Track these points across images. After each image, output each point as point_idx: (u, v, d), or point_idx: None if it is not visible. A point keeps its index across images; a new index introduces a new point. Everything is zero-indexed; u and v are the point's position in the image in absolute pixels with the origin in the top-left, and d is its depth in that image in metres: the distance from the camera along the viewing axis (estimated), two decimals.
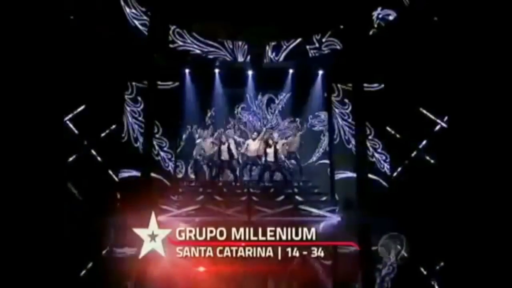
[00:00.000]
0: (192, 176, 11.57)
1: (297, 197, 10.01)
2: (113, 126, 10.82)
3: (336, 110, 11.82)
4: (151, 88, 10.65)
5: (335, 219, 9.07)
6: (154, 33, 10.49)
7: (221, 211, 9.21)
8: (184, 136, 11.90)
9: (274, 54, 11.28)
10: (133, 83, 11.63)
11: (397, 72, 10.29)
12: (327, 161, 11.84)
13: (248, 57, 11.19)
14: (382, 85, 11.43)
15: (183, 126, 11.89)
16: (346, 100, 11.81)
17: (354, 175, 10.51)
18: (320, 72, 11.87)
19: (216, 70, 11.77)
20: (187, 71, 11.77)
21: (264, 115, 12.33)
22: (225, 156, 10.33)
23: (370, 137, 11.41)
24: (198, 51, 11.19)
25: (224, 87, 11.92)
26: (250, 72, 11.88)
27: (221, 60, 11.37)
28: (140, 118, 11.60)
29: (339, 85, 11.88)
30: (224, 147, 10.34)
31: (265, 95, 12.38)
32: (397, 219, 8.63)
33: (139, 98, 11.68)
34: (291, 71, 11.84)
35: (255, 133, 10.85)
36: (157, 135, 11.65)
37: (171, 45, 11.02)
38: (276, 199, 9.87)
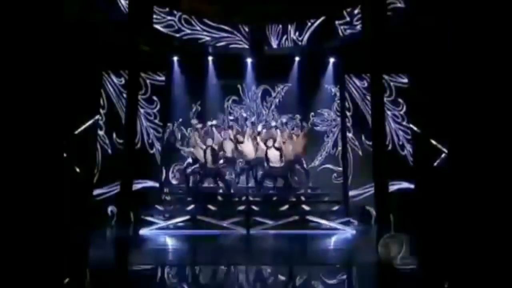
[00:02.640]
0: (174, 181, 11.39)
1: (304, 206, 9.76)
2: (88, 124, 10.67)
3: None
4: (133, 78, 10.47)
5: (349, 232, 8.91)
6: (136, 14, 10.27)
7: (216, 223, 9.00)
8: (165, 136, 11.71)
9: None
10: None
11: (427, 60, 9.96)
12: (330, 166, 11.71)
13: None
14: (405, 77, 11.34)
15: (167, 123, 11.70)
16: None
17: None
18: (332, 60, 11.66)
19: (210, 58, 11.58)
20: (175, 59, 11.59)
21: (259, 109, 12.13)
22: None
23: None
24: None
25: (218, 78, 11.70)
26: (249, 60, 11.68)
27: (215, 46, 11.15)
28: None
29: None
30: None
31: (260, 87, 12.18)
32: (425, 233, 8.46)
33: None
34: (297, 58, 11.62)
35: (246, 133, 10.17)
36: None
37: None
38: (280, 209, 9.65)
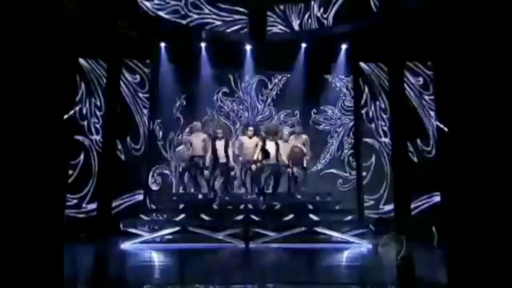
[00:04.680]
0: (155, 187, 11.30)
1: (311, 215, 9.55)
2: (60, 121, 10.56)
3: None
4: (114, 68, 10.33)
5: (364, 246, 8.67)
6: None
7: (210, 235, 8.88)
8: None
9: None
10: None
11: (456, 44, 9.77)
12: (335, 171, 11.60)
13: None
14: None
15: (150, 120, 11.58)
16: None
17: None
18: (344, 47, 11.44)
19: (203, 44, 11.38)
20: (163, 45, 11.40)
21: (253, 103, 12.00)
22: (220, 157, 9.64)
23: None
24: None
25: (212, 67, 11.55)
26: (248, 47, 11.48)
27: (209, 31, 11.00)
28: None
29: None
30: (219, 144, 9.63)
31: (254, 77, 12.01)
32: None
33: None
34: (303, 45, 11.41)
35: (251, 129, 9.92)
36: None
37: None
38: (284, 219, 9.50)
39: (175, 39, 11.22)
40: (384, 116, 11.51)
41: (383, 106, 11.54)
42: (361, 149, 11.47)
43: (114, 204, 10.79)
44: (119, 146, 11.14)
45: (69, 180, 10.68)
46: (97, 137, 11.04)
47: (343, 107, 11.95)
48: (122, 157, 11.16)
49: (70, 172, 10.80)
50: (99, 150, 11.00)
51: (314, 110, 11.87)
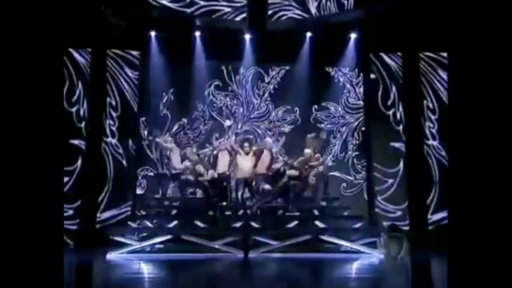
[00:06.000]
0: (140, 191, 11.10)
1: (317, 222, 9.52)
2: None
3: None
4: (98, 59, 10.17)
5: (375, 256, 8.60)
6: None
7: (205, 244, 8.83)
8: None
9: None
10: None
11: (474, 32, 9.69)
12: (337, 174, 11.34)
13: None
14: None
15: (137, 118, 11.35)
16: None
17: None
18: (353, 36, 11.18)
19: (197, 33, 11.11)
20: (153, 34, 11.15)
21: (249, 98, 11.72)
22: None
23: None
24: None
25: (206, 59, 11.27)
26: (247, 36, 11.21)
27: (204, 19, 10.81)
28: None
29: None
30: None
31: (251, 69, 11.71)
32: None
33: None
34: (308, 34, 11.16)
35: (246, 144, 9.94)
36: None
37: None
38: (287, 226, 9.48)
39: (167, 27, 11.03)
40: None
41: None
42: (372, 151, 11.25)
43: (112, 213, 10.63)
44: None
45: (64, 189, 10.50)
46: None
47: (347, 104, 11.69)
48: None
49: (66, 179, 10.57)
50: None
51: (315, 107, 11.61)
